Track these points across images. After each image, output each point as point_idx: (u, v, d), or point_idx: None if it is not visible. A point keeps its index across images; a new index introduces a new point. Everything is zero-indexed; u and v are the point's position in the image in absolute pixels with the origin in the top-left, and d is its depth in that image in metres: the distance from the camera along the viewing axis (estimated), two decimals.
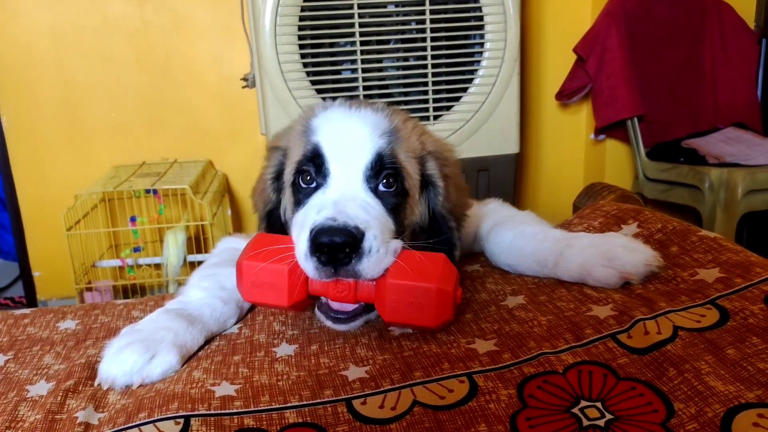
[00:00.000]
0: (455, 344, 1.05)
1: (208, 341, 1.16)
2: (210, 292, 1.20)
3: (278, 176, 1.28)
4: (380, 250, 1.03)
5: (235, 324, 1.23)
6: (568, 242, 1.25)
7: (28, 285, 3.26)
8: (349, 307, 1.11)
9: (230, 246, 1.40)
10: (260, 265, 1.07)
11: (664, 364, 0.91)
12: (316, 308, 1.15)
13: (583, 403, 0.87)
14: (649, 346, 0.95)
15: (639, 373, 0.91)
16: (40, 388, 1.05)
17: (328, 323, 1.13)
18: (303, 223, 1.08)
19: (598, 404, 0.86)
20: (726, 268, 1.12)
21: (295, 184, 1.20)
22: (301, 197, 1.17)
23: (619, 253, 1.17)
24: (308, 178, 1.17)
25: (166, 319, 1.11)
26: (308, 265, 1.03)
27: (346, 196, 1.10)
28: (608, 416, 0.84)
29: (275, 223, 1.29)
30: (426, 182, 1.24)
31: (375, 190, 1.14)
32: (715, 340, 0.94)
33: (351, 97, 2.24)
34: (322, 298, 1.11)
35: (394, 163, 1.15)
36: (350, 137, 1.15)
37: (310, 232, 1.01)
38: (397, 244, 1.08)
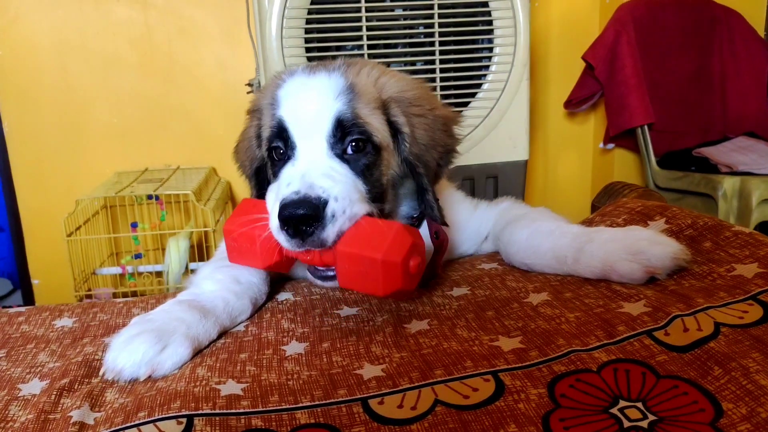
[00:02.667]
0: (477, 341, 0.98)
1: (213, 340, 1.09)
2: (224, 285, 1.16)
3: (260, 134, 1.28)
4: (346, 212, 1.05)
5: (245, 321, 1.17)
6: (588, 237, 1.19)
7: (27, 293, 3.19)
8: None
9: None
10: (238, 231, 1.14)
11: (708, 363, 0.84)
12: (306, 269, 1.18)
13: (623, 403, 0.80)
14: (690, 344, 0.88)
15: (681, 372, 0.84)
16: (33, 387, 0.98)
17: (317, 281, 1.16)
18: (277, 197, 1.10)
19: (639, 404, 0.79)
20: (765, 263, 1.05)
21: (270, 158, 1.22)
22: (276, 170, 1.19)
23: (644, 247, 1.11)
24: (280, 152, 1.18)
25: (179, 309, 1.06)
26: (280, 238, 1.07)
27: (311, 167, 1.11)
28: (651, 417, 0.77)
29: (263, 181, 1.29)
30: (394, 129, 1.21)
31: (343, 155, 1.14)
32: (762, 337, 0.87)
33: None
34: None
35: (356, 124, 1.14)
36: (308, 107, 1.15)
37: (279, 207, 1.05)
38: (359, 209, 1.07)
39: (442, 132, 1.27)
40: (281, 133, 1.17)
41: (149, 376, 0.97)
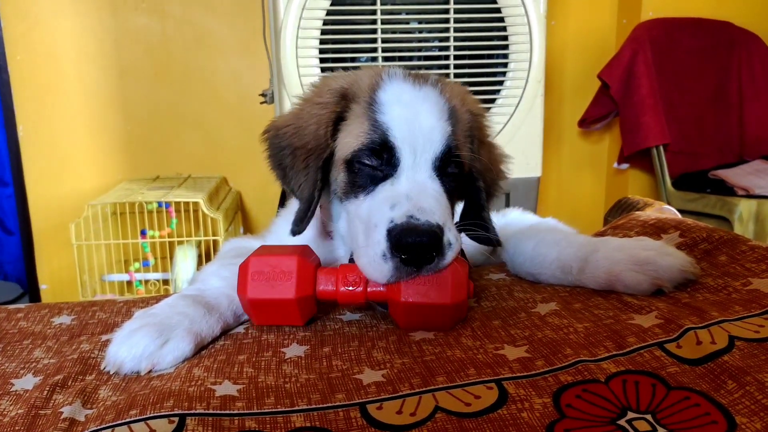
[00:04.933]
0: (482, 350, 0.95)
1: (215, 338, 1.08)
2: (229, 282, 1.12)
3: (338, 120, 1.14)
4: (456, 240, 1.02)
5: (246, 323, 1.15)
6: (594, 247, 1.15)
7: (34, 298, 3.20)
8: None
9: (239, 245, 1.34)
10: (269, 258, 1.06)
11: (722, 376, 0.81)
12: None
13: (631, 415, 0.76)
14: (703, 357, 0.85)
15: (693, 384, 0.80)
16: (26, 382, 0.96)
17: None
18: (370, 219, 1.04)
19: (648, 416, 0.76)
20: None
21: (352, 164, 1.11)
22: (360, 181, 1.10)
23: (652, 257, 1.08)
24: (366, 163, 1.10)
25: (183, 304, 1.04)
26: (386, 266, 1.00)
27: (417, 189, 1.06)
28: (661, 429, 0.73)
29: (326, 178, 1.16)
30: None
31: (440, 177, 1.10)
32: None
33: None
34: None
35: (457, 148, 1.12)
36: (421, 126, 1.09)
37: (389, 232, 0.99)
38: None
39: (497, 161, 1.29)
40: (384, 144, 1.08)
41: (149, 371, 0.96)
